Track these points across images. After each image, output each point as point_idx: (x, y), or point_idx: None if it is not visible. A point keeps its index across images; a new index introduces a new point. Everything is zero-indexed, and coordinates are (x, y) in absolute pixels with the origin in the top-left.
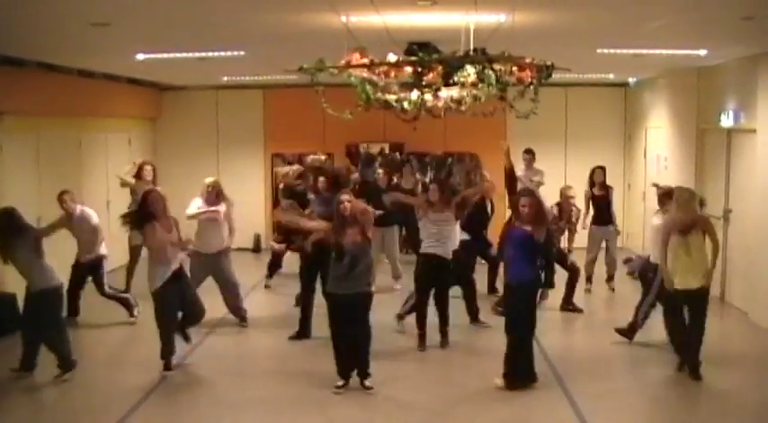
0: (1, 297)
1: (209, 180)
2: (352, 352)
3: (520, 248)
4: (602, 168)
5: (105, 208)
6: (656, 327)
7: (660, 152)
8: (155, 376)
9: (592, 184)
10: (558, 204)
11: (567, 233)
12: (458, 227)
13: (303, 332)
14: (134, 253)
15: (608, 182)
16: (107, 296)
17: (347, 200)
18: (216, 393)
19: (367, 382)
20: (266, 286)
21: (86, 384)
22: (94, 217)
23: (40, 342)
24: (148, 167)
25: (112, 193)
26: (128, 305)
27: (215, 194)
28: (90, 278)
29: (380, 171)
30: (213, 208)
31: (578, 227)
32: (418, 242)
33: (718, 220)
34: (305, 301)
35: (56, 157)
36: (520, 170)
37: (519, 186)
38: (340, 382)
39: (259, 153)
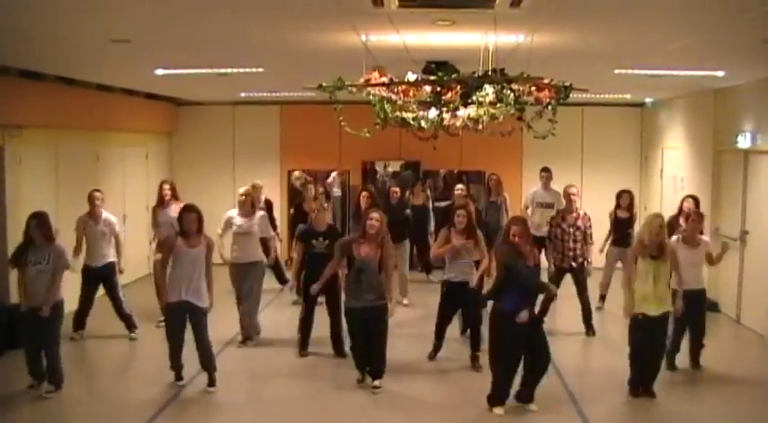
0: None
1: (242, 189)
2: (367, 356)
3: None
4: (629, 192)
5: (122, 222)
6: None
7: (677, 173)
8: (165, 390)
9: (618, 205)
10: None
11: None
12: None
13: (303, 347)
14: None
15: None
16: (123, 316)
17: (377, 218)
18: (233, 400)
19: (376, 382)
20: (294, 302)
21: (98, 397)
22: (117, 224)
23: (41, 352)
24: (166, 186)
25: (129, 207)
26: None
27: (250, 204)
28: (103, 290)
29: (396, 189)
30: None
31: (593, 248)
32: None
33: (734, 242)
34: (305, 319)
35: (74, 171)
36: (537, 188)
37: (528, 208)
38: (359, 376)
39: (275, 169)
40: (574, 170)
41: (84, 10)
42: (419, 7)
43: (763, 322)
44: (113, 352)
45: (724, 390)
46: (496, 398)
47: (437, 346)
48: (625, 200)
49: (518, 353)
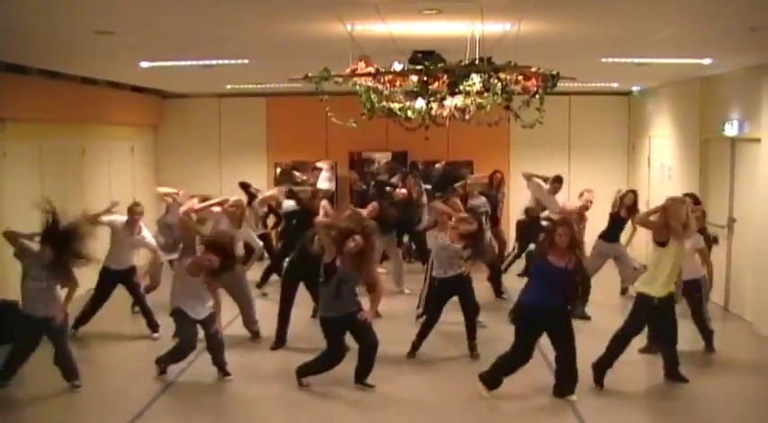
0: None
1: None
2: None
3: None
4: (635, 193)
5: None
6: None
7: (664, 161)
8: (158, 384)
9: (620, 204)
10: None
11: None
12: None
13: (280, 341)
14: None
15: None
16: (145, 312)
17: (357, 242)
18: (221, 400)
19: (368, 381)
20: (263, 294)
21: (92, 392)
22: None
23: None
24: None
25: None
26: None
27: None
28: (124, 288)
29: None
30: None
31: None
32: (425, 251)
33: (722, 230)
34: (282, 310)
35: (59, 165)
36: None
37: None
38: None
39: (262, 161)
40: (561, 159)
41: (66, 0)
42: None
43: (751, 310)
44: (106, 347)
45: (717, 379)
46: (487, 379)
47: (416, 345)
48: (630, 199)
49: (526, 346)
